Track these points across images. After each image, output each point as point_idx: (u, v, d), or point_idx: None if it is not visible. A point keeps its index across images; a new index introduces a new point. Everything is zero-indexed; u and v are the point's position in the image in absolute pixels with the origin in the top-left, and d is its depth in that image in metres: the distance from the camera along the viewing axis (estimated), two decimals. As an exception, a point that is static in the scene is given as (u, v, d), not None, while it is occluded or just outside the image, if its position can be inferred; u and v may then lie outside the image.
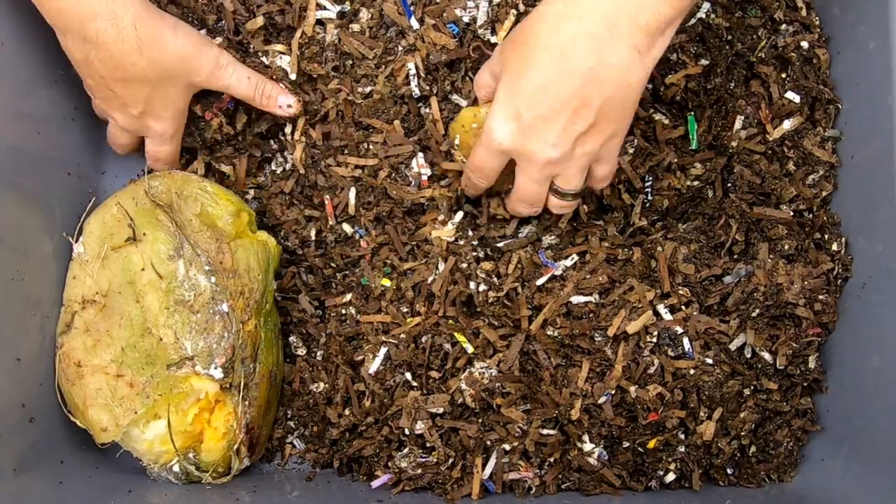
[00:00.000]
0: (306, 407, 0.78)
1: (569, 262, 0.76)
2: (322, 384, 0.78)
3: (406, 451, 0.75)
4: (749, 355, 0.76)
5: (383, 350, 0.75)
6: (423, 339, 0.75)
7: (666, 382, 0.74)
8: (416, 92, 0.76)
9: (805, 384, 0.77)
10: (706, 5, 0.78)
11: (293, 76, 0.77)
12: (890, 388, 0.70)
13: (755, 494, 0.76)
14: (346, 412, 0.77)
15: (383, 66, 0.77)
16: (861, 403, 0.73)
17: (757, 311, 0.74)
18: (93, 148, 0.83)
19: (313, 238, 0.81)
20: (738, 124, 0.78)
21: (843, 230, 0.77)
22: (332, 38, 0.78)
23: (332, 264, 0.80)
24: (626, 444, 0.75)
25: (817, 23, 0.80)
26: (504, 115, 0.64)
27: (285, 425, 0.80)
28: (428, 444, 0.74)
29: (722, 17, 0.78)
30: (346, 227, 0.80)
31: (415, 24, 0.76)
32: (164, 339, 0.71)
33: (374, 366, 0.76)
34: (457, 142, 0.73)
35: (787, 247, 0.77)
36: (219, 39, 0.76)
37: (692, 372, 0.74)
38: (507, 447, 0.74)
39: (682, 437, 0.75)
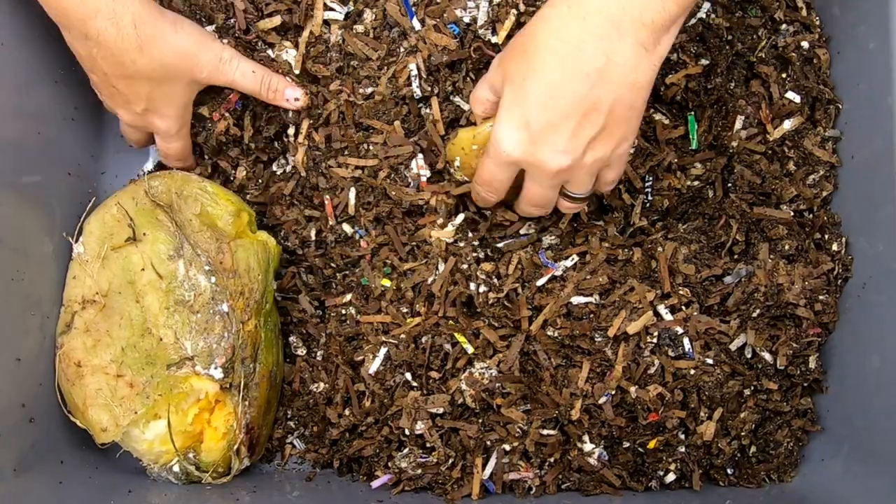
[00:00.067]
0: (306, 407, 0.78)
1: (569, 263, 0.76)
2: (322, 384, 0.78)
3: (406, 451, 0.75)
4: (749, 355, 0.76)
5: (383, 350, 0.75)
6: (423, 339, 0.75)
7: (666, 383, 0.74)
8: (418, 93, 0.76)
9: (805, 384, 0.77)
10: (706, 5, 0.78)
11: (297, 71, 0.77)
12: (890, 388, 0.70)
13: (755, 494, 0.76)
14: (346, 412, 0.77)
15: (385, 68, 0.77)
16: (861, 403, 0.73)
17: (757, 311, 0.74)
18: (93, 148, 0.83)
19: (313, 238, 0.81)
20: (738, 124, 0.78)
21: (843, 230, 0.77)
22: (336, 39, 0.78)
23: (332, 264, 0.80)
24: (626, 445, 0.75)
25: (817, 23, 0.80)
26: (512, 125, 0.63)
27: (285, 425, 0.80)
28: (428, 445, 0.74)
29: (722, 16, 0.78)
30: (346, 228, 0.80)
31: (416, 24, 0.76)
32: (164, 339, 0.71)
33: (374, 366, 0.75)
34: (457, 163, 0.72)
35: (787, 247, 0.77)
36: (226, 40, 0.76)
37: (692, 372, 0.74)
38: (508, 447, 0.74)
39: (683, 437, 0.75)
